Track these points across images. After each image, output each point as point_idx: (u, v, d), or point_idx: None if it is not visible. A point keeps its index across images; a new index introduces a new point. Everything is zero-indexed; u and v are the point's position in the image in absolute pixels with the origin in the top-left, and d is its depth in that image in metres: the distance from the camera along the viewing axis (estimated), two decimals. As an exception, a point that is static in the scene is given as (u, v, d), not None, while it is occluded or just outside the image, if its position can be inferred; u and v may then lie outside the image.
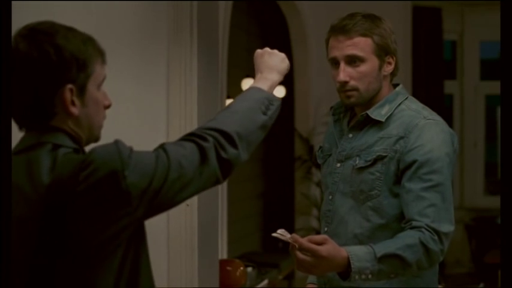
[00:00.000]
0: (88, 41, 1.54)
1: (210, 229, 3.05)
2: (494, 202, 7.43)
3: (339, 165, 2.26)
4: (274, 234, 1.89)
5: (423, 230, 2.01)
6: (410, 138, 2.12)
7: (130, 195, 1.44)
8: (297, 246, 1.88)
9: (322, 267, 1.91)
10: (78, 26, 1.57)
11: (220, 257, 3.74)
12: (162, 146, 1.54)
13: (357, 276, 1.92)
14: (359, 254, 1.93)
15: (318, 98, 6.61)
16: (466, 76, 8.34)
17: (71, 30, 1.53)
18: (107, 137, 1.62)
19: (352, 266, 1.91)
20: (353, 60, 2.17)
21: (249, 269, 4.87)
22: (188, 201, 1.58)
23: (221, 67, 4.71)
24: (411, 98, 2.26)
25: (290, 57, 5.82)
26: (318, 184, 6.03)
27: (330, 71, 2.24)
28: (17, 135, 1.55)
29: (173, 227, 2.92)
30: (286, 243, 1.94)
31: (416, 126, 2.14)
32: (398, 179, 2.13)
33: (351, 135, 2.26)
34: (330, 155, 2.32)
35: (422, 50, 7.63)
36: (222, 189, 4.76)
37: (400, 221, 2.09)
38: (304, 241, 1.89)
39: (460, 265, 7.79)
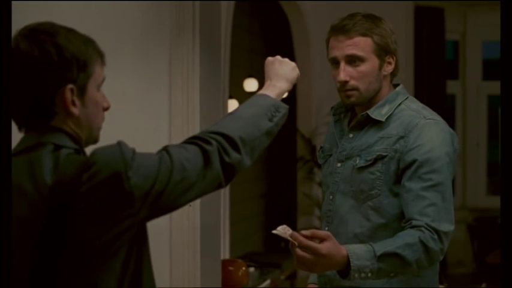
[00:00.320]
0: (88, 42, 1.55)
1: (212, 229, 3.06)
2: (496, 202, 7.36)
3: (339, 165, 2.26)
4: (274, 231, 1.89)
5: (423, 229, 2.01)
6: (410, 138, 2.13)
7: (134, 197, 1.44)
8: (296, 244, 1.89)
9: (322, 265, 1.92)
10: (79, 26, 1.58)
11: (222, 257, 3.74)
12: (165, 148, 1.54)
13: (356, 275, 1.92)
14: (358, 253, 1.93)
15: (320, 98, 6.60)
16: (468, 76, 8.34)
17: (71, 31, 1.53)
18: (108, 136, 1.62)
19: (351, 265, 1.91)
20: (353, 60, 2.18)
21: (251, 269, 4.89)
22: (191, 202, 1.58)
23: (223, 67, 4.71)
24: (411, 98, 2.27)
25: (292, 57, 5.82)
26: (320, 184, 6.01)
27: (331, 71, 2.24)
28: (16, 135, 1.55)
29: (175, 227, 2.92)
30: (288, 243, 1.94)
31: (416, 126, 2.14)
32: (398, 178, 2.13)
33: (351, 135, 2.27)
34: (331, 155, 2.33)
35: (424, 50, 7.64)
36: (225, 189, 4.76)
37: (401, 221, 2.10)
38: (304, 239, 1.89)
39: (462, 265, 7.79)
